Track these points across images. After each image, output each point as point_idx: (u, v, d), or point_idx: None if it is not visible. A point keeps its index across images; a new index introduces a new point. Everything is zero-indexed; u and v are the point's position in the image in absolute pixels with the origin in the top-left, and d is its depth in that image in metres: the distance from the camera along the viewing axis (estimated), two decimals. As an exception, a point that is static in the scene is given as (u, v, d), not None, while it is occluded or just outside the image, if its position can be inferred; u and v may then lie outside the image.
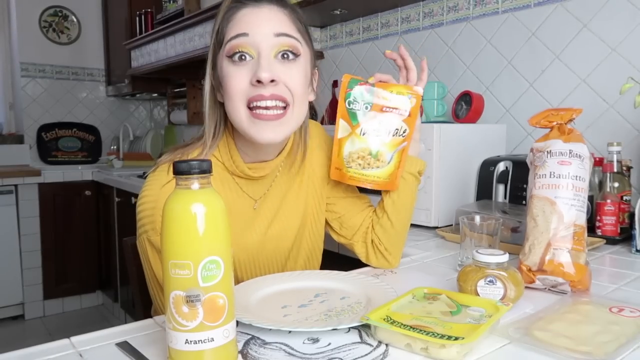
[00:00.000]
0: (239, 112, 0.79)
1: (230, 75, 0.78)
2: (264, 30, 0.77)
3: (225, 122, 0.88)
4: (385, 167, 0.88)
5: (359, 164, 0.89)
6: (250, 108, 0.79)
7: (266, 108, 0.78)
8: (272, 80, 0.77)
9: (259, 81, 0.76)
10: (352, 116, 0.88)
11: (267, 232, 0.93)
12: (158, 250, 0.82)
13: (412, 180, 0.94)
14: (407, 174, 0.93)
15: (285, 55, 0.79)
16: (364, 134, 0.88)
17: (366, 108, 0.87)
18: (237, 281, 0.90)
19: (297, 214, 0.97)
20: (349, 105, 0.88)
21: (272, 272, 0.96)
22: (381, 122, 0.87)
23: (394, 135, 0.87)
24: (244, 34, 0.77)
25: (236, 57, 0.77)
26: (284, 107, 0.80)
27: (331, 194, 1.01)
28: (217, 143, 0.87)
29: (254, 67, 0.77)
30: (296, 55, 0.81)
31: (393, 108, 0.87)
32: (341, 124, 0.89)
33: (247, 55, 0.78)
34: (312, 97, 0.88)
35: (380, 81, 0.88)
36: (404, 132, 0.87)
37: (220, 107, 0.86)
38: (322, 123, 2.12)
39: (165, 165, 0.85)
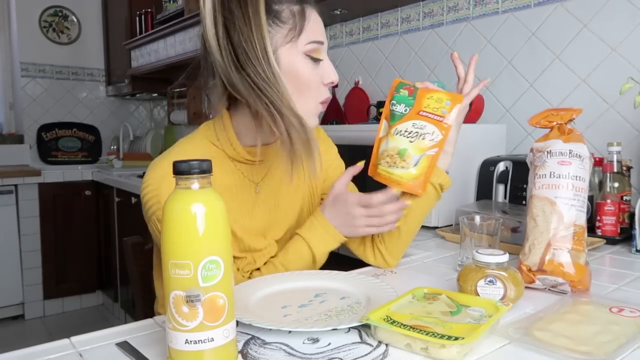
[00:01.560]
0: (309, 106, 0.87)
1: (311, 74, 0.86)
2: (326, 38, 0.88)
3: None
4: (410, 168, 0.88)
5: (387, 162, 0.90)
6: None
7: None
8: None
9: (332, 82, 0.87)
10: (392, 117, 0.91)
11: (272, 213, 0.95)
12: None
13: (431, 190, 0.93)
14: (427, 184, 0.91)
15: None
16: (396, 134, 0.89)
17: (405, 110, 0.89)
18: (251, 250, 0.92)
19: (296, 203, 0.98)
20: (392, 106, 0.91)
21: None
22: (415, 124, 0.88)
23: (424, 139, 0.87)
24: (322, 42, 0.86)
25: (316, 59, 0.86)
26: None
27: (326, 191, 1.03)
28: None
29: (322, 69, 0.87)
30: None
31: (430, 112, 0.88)
32: (383, 124, 0.93)
33: (318, 56, 0.87)
34: None
35: (426, 87, 0.91)
36: (436, 137, 0.87)
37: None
38: (320, 123, 2.12)
39: (167, 153, 0.89)
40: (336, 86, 2.27)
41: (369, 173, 0.95)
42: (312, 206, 1.02)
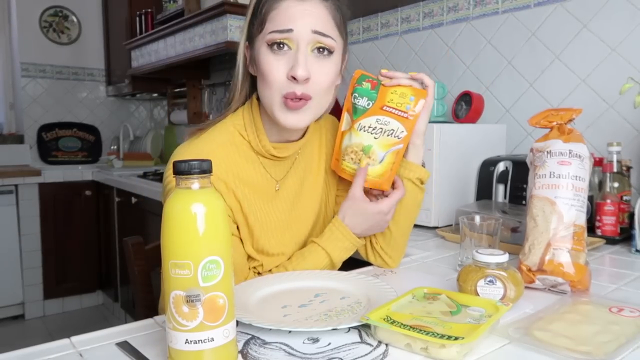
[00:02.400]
0: (271, 98, 0.83)
1: (270, 64, 0.82)
2: (305, 26, 0.81)
3: (252, 95, 0.92)
4: (376, 165, 0.88)
5: (352, 158, 0.90)
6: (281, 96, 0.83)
7: (294, 100, 0.82)
8: (306, 79, 0.81)
9: (294, 77, 0.80)
10: (354, 111, 0.89)
11: (291, 213, 0.94)
12: None
13: (411, 187, 0.92)
14: (405, 180, 0.91)
15: (321, 50, 0.83)
16: (360, 130, 0.88)
17: (368, 105, 0.88)
18: (264, 252, 0.91)
19: (316, 200, 0.98)
20: (354, 99, 0.90)
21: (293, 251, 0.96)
22: (379, 120, 0.87)
23: (388, 135, 0.87)
24: (290, 30, 0.80)
25: (276, 46, 0.82)
26: (309, 99, 0.84)
27: (339, 187, 1.03)
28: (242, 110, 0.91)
29: (291, 60, 0.81)
30: (330, 52, 0.84)
31: (393, 108, 0.87)
32: (345, 117, 0.91)
33: (286, 46, 0.82)
34: (337, 81, 0.90)
35: (391, 80, 0.89)
36: (400, 134, 0.87)
37: (251, 78, 0.91)
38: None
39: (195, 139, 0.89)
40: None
41: (332, 167, 0.95)
42: (328, 204, 1.02)
